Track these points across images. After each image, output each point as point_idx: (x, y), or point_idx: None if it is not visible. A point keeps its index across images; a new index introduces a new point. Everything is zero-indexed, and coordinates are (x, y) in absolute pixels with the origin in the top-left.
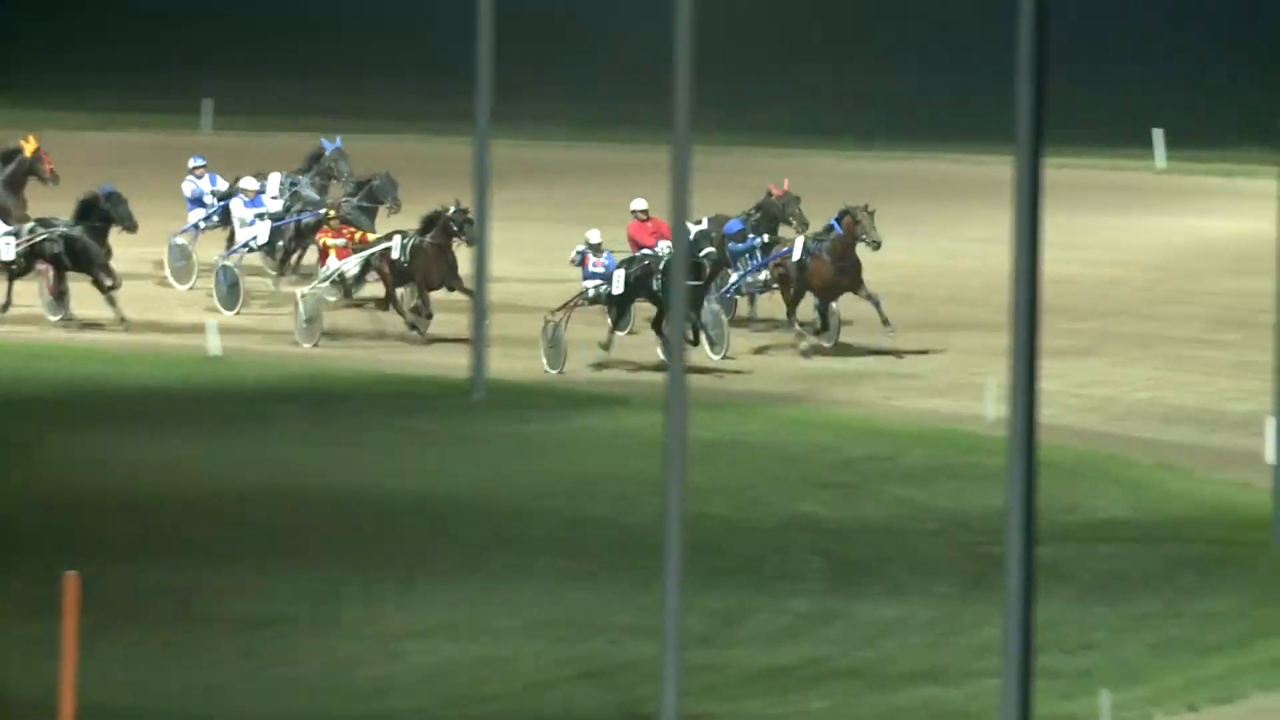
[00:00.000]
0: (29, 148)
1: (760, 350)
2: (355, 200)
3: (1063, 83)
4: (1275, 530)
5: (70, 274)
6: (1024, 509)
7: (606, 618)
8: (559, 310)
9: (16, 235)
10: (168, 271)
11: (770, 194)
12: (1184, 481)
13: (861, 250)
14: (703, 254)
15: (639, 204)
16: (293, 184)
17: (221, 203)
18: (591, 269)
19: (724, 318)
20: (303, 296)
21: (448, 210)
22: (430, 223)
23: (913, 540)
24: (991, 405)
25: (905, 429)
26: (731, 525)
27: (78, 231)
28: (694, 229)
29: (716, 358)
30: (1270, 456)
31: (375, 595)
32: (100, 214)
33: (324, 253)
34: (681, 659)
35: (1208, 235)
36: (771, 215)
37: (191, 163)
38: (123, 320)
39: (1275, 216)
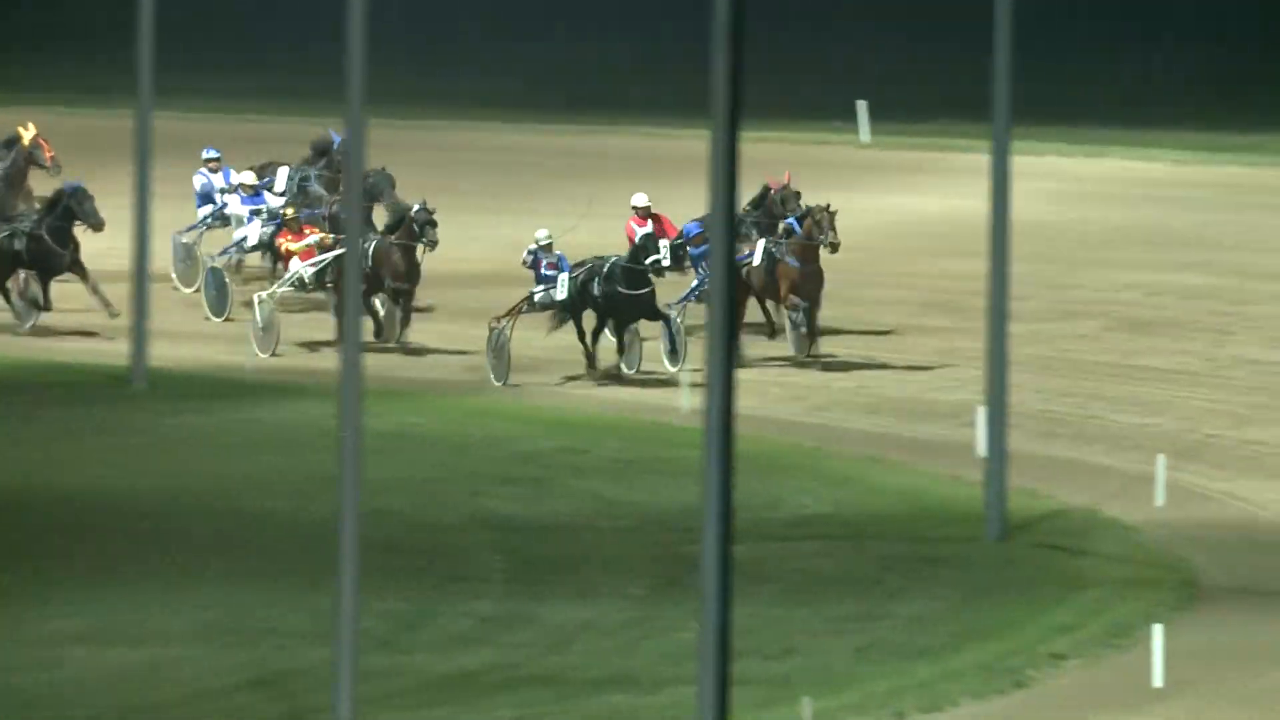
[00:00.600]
0: (27, 135)
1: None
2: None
3: (763, 52)
4: (987, 526)
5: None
6: (720, 505)
7: (279, 621)
8: (504, 316)
9: None
10: (172, 272)
11: (769, 188)
12: (891, 475)
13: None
14: (649, 260)
15: (640, 199)
16: (302, 179)
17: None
18: (545, 272)
19: (682, 328)
20: (259, 303)
21: (412, 209)
22: (397, 223)
23: (604, 538)
24: (686, 395)
25: (596, 420)
26: (411, 522)
27: (41, 230)
28: (641, 230)
29: (674, 370)
30: (981, 448)
31: (31, 598)
32: (64, 211)
33: (285, 257)
34: (357, 664)
35: (915, 214)
36: (772, 213)
37: (204, 154)
38: (108, 306)
39: (986, 194)
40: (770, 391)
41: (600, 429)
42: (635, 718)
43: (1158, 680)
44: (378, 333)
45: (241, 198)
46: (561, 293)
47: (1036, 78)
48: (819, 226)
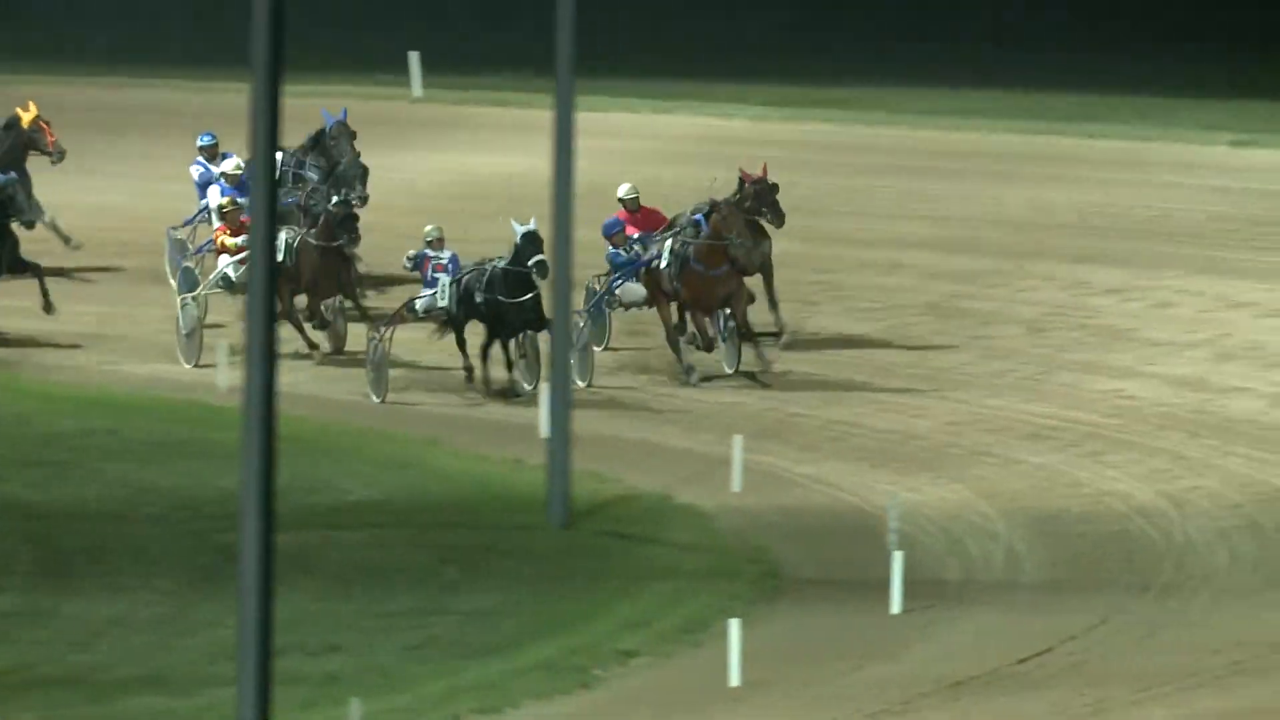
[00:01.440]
0: (27, 117)
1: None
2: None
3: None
4: (550, 512)
5: None
6: (261, 491)
7: None
8: (384, 326)
9: None
10: (166, 269)
11: (743, 182)
12: (451, 459)
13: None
14: (531, 262)
15: (624, 190)
16: (298, 165)
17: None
18: (432, 274)
19: (591, 341)
20: (182, 306)
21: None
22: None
23: (134, 527)
24: (225, 372)
25: (125, 399)
26: None
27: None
28: (521, 229)
29: (530, 388)
30: (544, 429)
31: None
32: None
33: (220, 252)
34: None
35: (472, 173)
36: (748, 209)
37: (200, 141)
38: (49, 306)
39: (549, 152)
40: (323, 369)
41: (132, 408)
42: (170, 719)
43: (734, 679)
44: (312, 344)
45: (221, 188)
46: (443, 299)
47: (604, 29)
48: (726, 224)
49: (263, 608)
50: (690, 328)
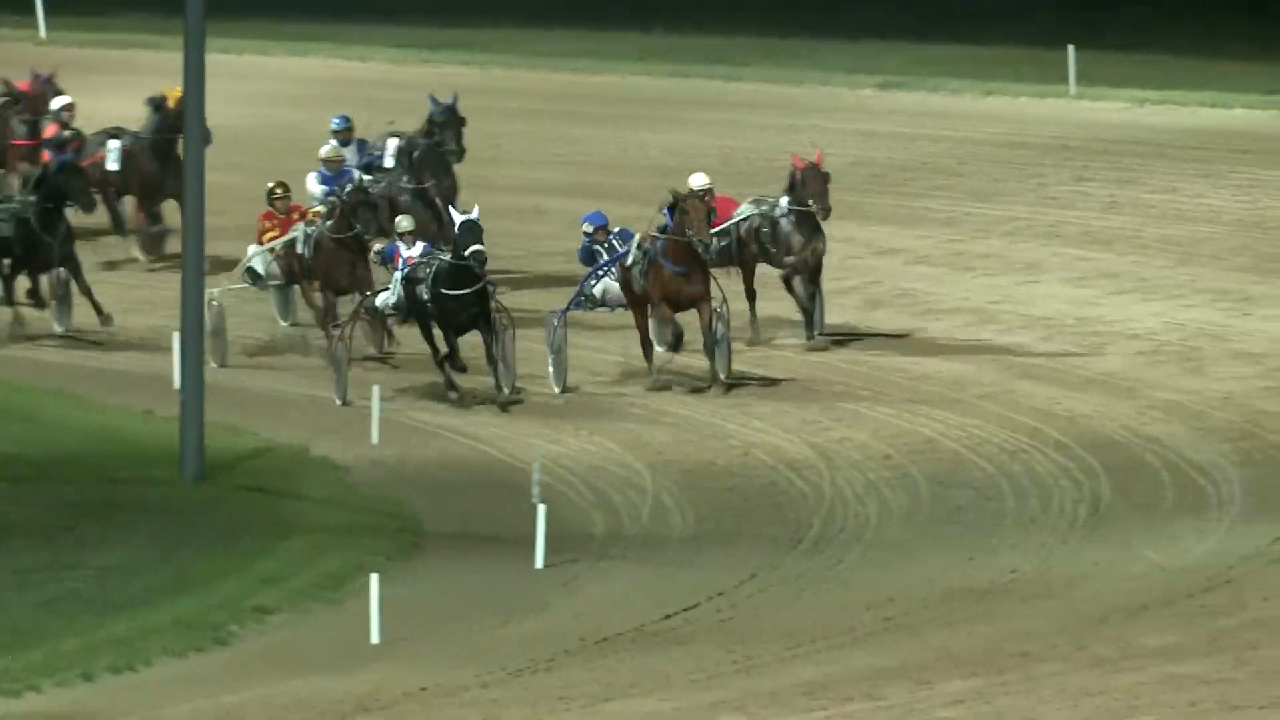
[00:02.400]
0: (174, 96)
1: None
2: (403, 181)
3: None
4: (184, 466)
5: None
6: None
7: None
8: (343, 325)
9: None
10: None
11: (795, 169)
12: (77, 411)
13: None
14: (467, 252)
15: (699, 180)
16: (413, 152)
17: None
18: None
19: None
20: (208, 303)
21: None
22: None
23: None
24: None
25: None
26: None
27: (30, 213)
28: (461, 217)
29: (503, 393)
30: (176, 380)
31: None
32: (51, 191)
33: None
34: None
35: (105, 116)
36: (798, 198)
37: (333, 125)
38: (103, 315)
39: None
40: None
41: None
42: None
43: (375, 636)
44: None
45: (320, 174)
46: (392, 296)
47: None
48: (688, 218)
49: None
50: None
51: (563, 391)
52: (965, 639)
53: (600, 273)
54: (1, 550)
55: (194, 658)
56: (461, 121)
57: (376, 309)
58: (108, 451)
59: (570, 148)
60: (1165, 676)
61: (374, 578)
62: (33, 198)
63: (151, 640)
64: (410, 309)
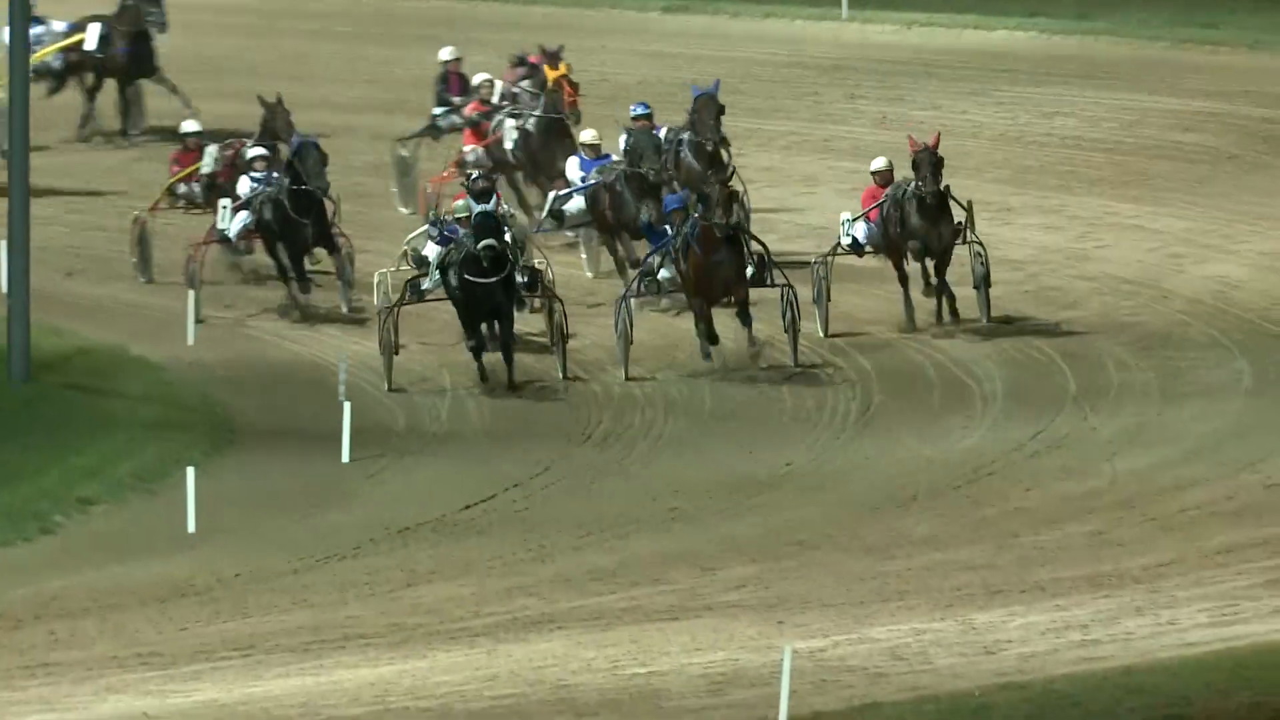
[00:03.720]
0: (554, 74)
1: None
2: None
3: None
4: (11, 366)
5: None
6: None
7: None
8: (388, 311)
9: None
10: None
11: (911, 151)
12: None
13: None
14: (480, 246)
15: (881, 163)
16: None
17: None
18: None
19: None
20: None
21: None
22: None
23: None
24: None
25: None
26: None
27: (284, 196)
28: (477, 208)
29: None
30: (3, 285)
31: None
32: (292, 174)
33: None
34: None
35: None
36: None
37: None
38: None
39: None
40: None
41: None
42: None
43: (191, 525)
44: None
45: (581, 161)
46: (429, 281)
47: None
48: (706, 203)
49: None
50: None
51: (627, 379)
52: (745, 528)
53: (659, 255)
54: None
55: (21, 546)
56: (720, 109)
57: (420, 292)
58: None
59: (374, 66)
60: (932, 563)
61: (190, 470)
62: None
63: None
64: (448, 293)
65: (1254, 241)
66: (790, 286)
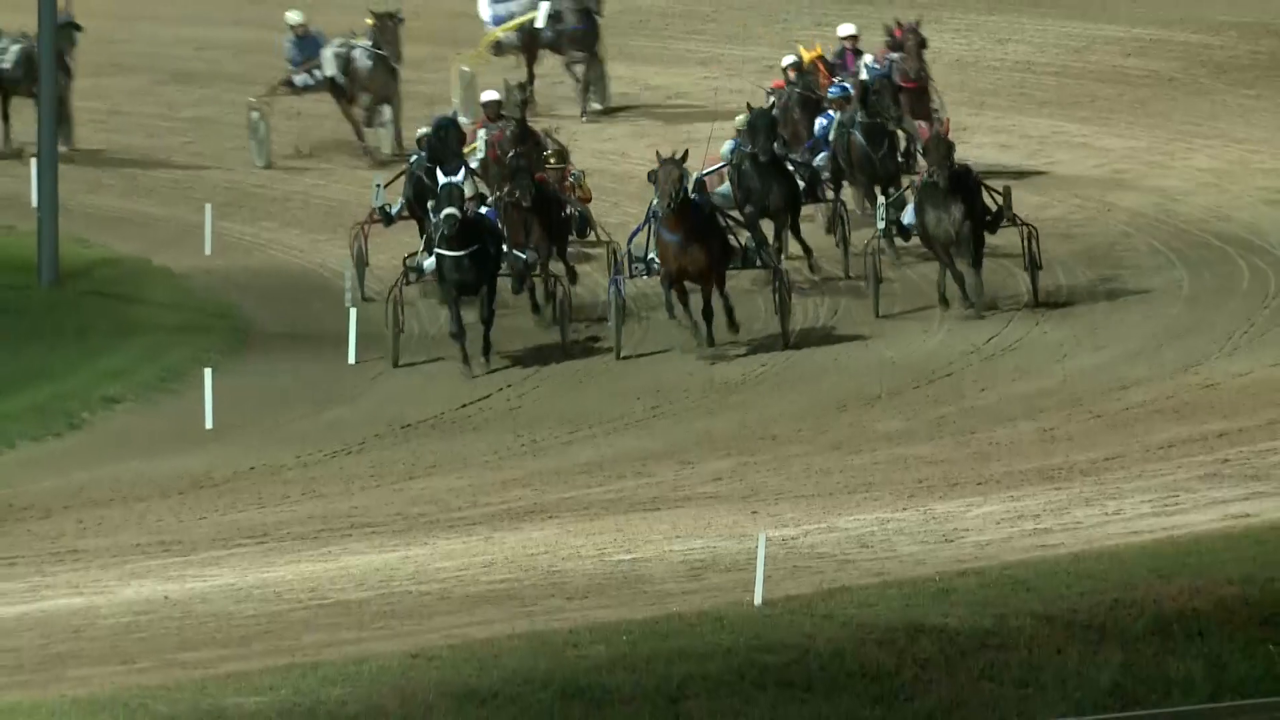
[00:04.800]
0: (809, 55)
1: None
2: None
3: None
4: (40, 273)
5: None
6: None
7: None
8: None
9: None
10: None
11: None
12: None
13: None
14: (443, 215)
15: (845, 29)
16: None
17: None
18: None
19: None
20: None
21: None
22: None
23: None
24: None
25: None
26: None
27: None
28: (442, 179)
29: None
30: (33, 199)
31: None
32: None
33: None
34: None
35: None
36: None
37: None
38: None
39: None
40: None
41: None
42: None
43: (209, 422)
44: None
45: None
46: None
47: None
48: (662, 188)
49: None
50: None
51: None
52: (722, 424)
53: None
54: None
55: (51, 441)
56: (895, 90)
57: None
58: None
59: None
60: (895, 457)
61: (208, 371)
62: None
63: (12, 425)
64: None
65: (1193, 159)
66: (782, 270)
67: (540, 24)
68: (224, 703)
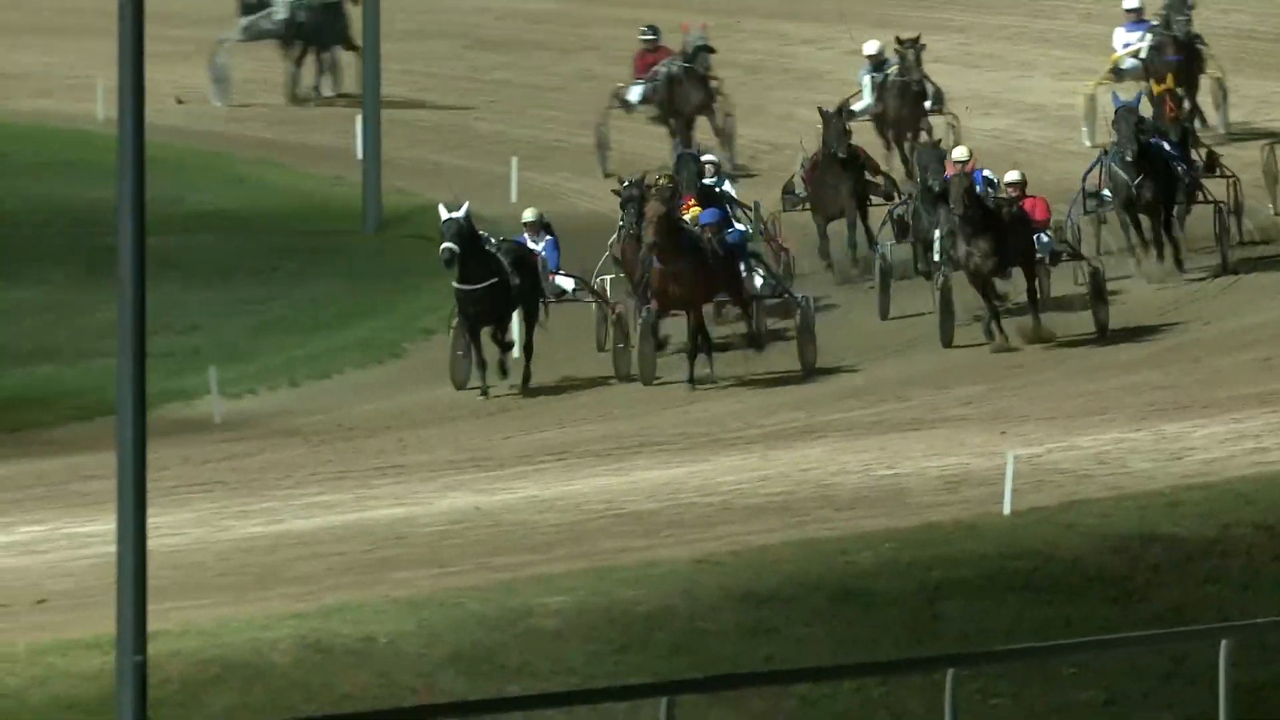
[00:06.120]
0: (1158, 88)
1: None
2: None
3: None
4: (365, 220)
5: None
6: (135, 201)
7: None
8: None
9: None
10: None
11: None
12: (284, 176)
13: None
14: (441, 249)
15: (1014, 176)
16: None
17: None
18: None
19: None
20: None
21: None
22: None
23: (25, 231)
24: (101, 105)
25: (15, 127)
26: None
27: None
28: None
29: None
30: (359, 151)
31: None
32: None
33: None
34: None
35: None
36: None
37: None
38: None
39: None
40: (165, 103)
41: (19, 136)
42: (60, 387)
43: (516, 351)
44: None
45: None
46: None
47: None
48: (647, 218)
49: (137, 296)
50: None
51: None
52: (973, 355)
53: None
54: (221, 285)
55: (375, 369)
56: (1137, 118)
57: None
58: (304, 208)
59: None
60: (1128, 384)
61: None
62: None
63: (342, 355)
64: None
65: None
66: (802, 297)
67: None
68: (530, 602)
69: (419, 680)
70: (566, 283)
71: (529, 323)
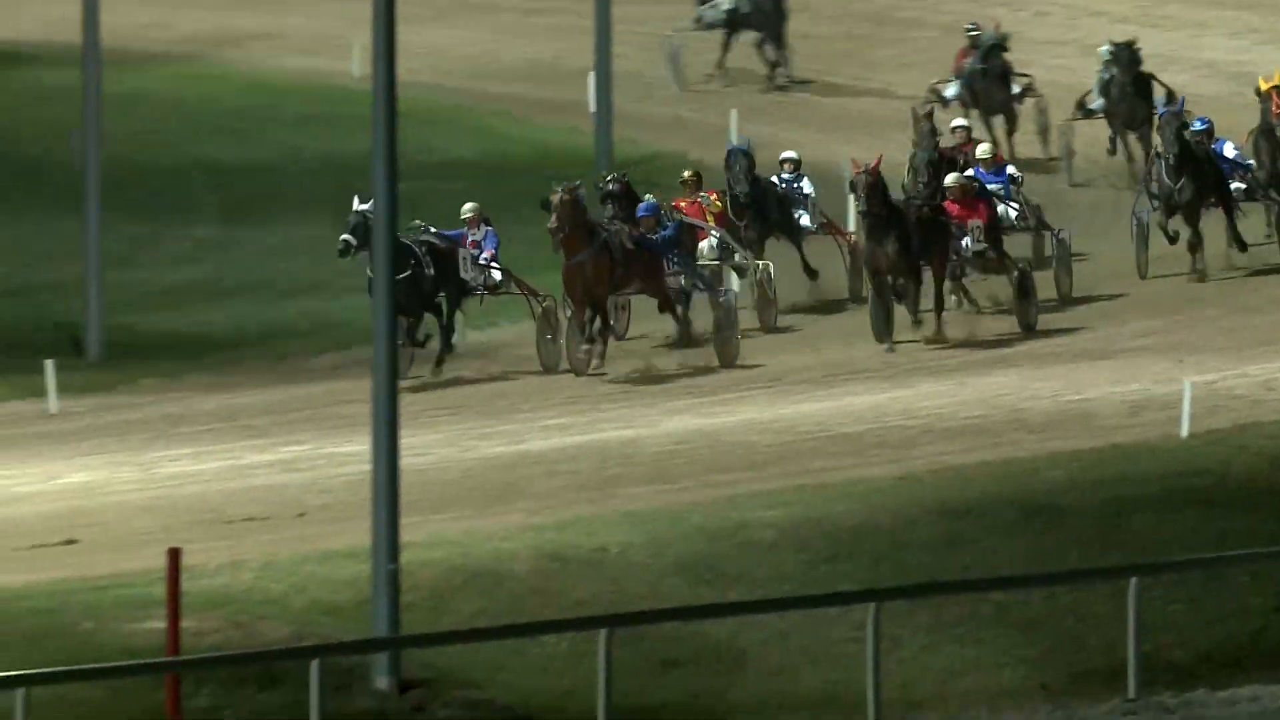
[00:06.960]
0: (1266, 85)
1: None
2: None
3: None
4: (597, 167)
5: None
6: (387, 151)
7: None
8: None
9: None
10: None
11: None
12: (521, 128)
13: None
14: (340, 239)
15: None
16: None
17: None
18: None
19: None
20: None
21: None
22: None
23: (293, 178)
24: (357, 63)
25: (283, 83)
26: (139, 166)
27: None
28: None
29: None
30: (592, 105)
31: None
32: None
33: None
34: (102, 276)
35: None
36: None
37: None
38: None
39: None
40: (426, 60)
41: (285, 90)
42: (321, 319)
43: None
44: None
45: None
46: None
47: None
48: (558, 213)
49: (389, 233)
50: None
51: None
52: (1153, 291)
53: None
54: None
55: None
56: (1179, 124)
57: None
58: (543, 156)
59: None
60: None
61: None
62: None
63: None
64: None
65: None
66: (723, 291)
67: None
68: (747, 516)
69: (646, 587)
70: (497, 275)
71: (450, 309)
